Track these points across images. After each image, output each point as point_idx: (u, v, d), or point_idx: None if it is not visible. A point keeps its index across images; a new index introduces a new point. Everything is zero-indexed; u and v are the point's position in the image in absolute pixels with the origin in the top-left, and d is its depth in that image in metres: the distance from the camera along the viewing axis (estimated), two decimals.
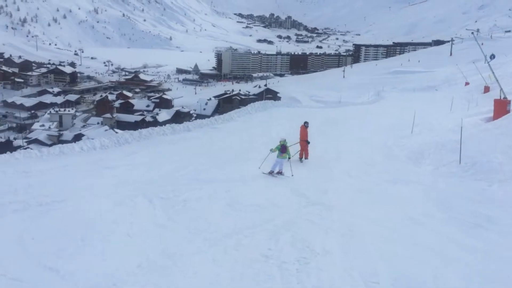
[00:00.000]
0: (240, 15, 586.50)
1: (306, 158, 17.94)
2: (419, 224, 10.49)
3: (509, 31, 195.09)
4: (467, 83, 48.23)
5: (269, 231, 9.42)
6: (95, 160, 16.53)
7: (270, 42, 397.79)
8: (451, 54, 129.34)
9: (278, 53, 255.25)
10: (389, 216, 10.88)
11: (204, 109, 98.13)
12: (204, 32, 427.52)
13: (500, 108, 20.37)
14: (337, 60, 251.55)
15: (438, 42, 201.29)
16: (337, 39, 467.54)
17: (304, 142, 17.75)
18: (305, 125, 18.11)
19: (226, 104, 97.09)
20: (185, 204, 11.19)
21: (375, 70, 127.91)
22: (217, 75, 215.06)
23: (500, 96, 21.55)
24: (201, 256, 8.14)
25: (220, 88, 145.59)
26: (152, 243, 8.59)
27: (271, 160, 15.03)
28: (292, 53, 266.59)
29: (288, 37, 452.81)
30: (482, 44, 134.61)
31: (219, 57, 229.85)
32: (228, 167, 16.20)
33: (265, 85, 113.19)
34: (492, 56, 19.08)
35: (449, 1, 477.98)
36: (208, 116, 27.37)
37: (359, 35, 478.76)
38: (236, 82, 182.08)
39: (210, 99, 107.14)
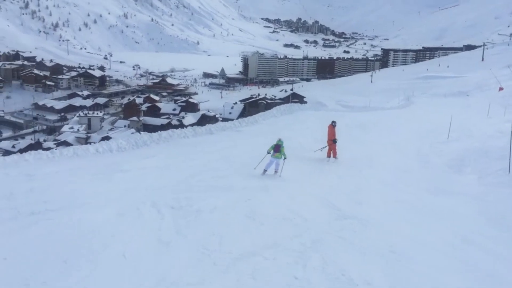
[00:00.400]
0: (267, 19, 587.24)
1: (334, 157, 17.73)
2: (472, 244, 8.87)
3: None
4: (501, 89, 45.75)
5: (294, 252, 7.89)
6: (108, 163, 15.41)
7: (297, 47, 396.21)
8: (482, 59, 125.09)
9: (305, 58, 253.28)
10: (435, 235, 9.31)
11: (230, 113, 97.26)
12: (231, 36, 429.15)
13: None
14: (364, 65, 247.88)
15: (469, 47, 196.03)
16: (364, 43, 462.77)
17: (331, 141, 17.57)
18: (333, 124, 17.83)
19: (252, 108, 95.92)
20: (197, 215, 9.78)
21: (404, 75, 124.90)
22: (244, 79, 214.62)
23: None
24: None
25: (246, 92, 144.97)
26: (150, 267, 7.08)
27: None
28: (319, 57, 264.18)
29: (315, 42, 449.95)
30: None
31: (245, 61, 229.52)
32: (249, 172, 14.79)
33: (291, 90, 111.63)
34: None
35: (480, 6, 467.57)
36: (233, 120, 25.24)
37: (387, 39, 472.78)
38: (262, 87, 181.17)
39: (236, 103, 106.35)
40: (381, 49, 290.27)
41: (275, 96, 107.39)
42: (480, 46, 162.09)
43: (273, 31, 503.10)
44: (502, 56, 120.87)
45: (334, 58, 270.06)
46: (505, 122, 20.25)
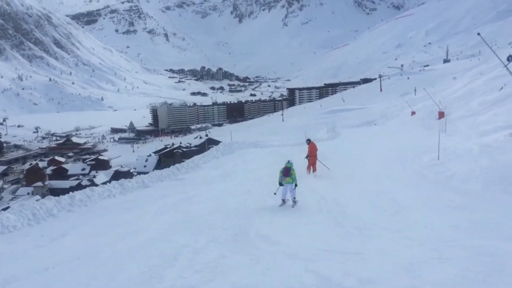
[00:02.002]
0: (171, 70, 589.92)
1: (314, 171, 18.80)
2: None
3: (427, 65, 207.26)
4: (413, 113, 48.00)
5: None
6: None
7: (204, 94, 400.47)
8: (381, 90, 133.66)
9: (214, 103, 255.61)
10: None
11: (145, 166, 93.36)
12: (136, 90, 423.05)
13: None
14: (272, 105, 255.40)
15: (365, 80, 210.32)
16: (269, 86, 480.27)
17: (313, 158, 18.86)
18: (307, 142, 19.46)
19: (167, 158, 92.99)
20: None
21: (312, 111, 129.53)
22: (154, 130, 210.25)
23: None
24: None
25: (159, 143, 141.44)
26: None
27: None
28: (228, 102, 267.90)
29: (222, 88, 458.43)
30: (408, 78, 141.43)
31: (154, 112, 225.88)
32: (231, 245, 10.05)
33: (206, 135, 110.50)
34: (510, 58, 16.77)
35: (368, 43, 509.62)
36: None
37: (289, 80, 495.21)
38: (175, 136, 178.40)
39: (150, 155, 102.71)
40: (287, 88, 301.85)
41: (190, 144, 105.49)
42: (375, 79, 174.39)
43: (179, 81, 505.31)
44: (396, 85, 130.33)
45: (243, 101, 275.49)
46: (472, 138, 19.88)
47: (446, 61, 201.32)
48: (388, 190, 15.00)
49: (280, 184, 13.31)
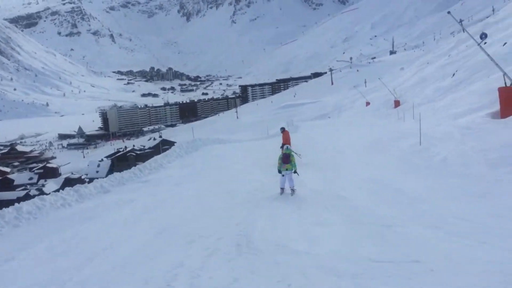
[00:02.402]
0: (120, 72, 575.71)
1: None
2: None
3: (374, 57, 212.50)
4: (368, 103, 48.34)
5: None
6: None
7: (155, 95, 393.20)
8: (332, 83, 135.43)
9: (166, 104, 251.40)
10: None
11: (97, 171, 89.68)
12: (83, 93, 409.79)
13: (509, 99, 16.39)
14: (226, 103, 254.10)
15: (316, 74, 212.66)
16: (220, 84, 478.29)
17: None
18: (281, 130, 19.24)
19: (121, 162, 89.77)
20: None
21: (266, 107, 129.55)
22: (105, 134, 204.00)
23: (505, 83, 16.93)
24: None
25: (111, 147, 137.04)
26: None
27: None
28: (180, 102, 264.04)
29: (173, 88, 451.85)
30: (358, 70, 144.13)
31: (104, 116, 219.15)
32: (239, 261, 7.50)
33: (160, 137, 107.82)
34: (484, 36, 16.26)
35: (316, 38, 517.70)
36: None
37: (241, 77, 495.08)
38: (127, 139, 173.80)
39: (102, 160, 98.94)
40: (239, 86, 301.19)
41: (144, 146, 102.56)
42: (325, 73, 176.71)
43: (128, 83, 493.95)
44: (347, 78, 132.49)
45: (196, 100, 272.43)
46: (444, 121, 19.79)
47: (392, 52, 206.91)
48: (383, 178, 13.72)
49: (279, 171, 12.68)
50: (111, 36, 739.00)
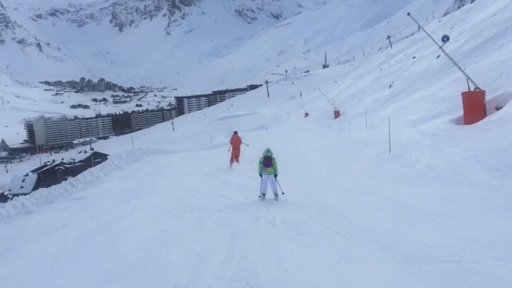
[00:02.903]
0: (47, 82, 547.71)
1: (237, 161, 19.10)
2: None
3: (308, 71, 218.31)
4: (306, 114, 48.78)
5: None
6: None
7: (86, 107, 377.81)
8: (268, 95, 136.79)
9: (98, 116, 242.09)
10: None
11: (22, 187, 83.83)
12: (7, 104, 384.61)
13: (473, 104, 15.62)
14: (161, 115, 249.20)
15: (253, 86, 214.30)
16: (155, 95, 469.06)
17: (236, 150, 19.12)
18: (235, 132, 19.79)
19: (48, 177, 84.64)
20: None
21: (202, 118, 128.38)
22: (31, 147, 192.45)
23: (469, 88, 16.02)
24: None
25: (37, 161, 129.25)
26: None
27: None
28: (113, 113, 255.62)
29: (105, 99, 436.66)
30: (293, 83, 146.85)
31: (30, 128, 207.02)
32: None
33: (92, 149, 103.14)
34: (445, 38, 15.92)
35: (251, 51, 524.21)
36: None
37: (176, 89, 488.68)
38: (55, 152, 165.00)
39: (27, 174, 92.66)
40: (175, 97, 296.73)
41: (74, 159, 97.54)
42: (261, 85, 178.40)
43: (56, 94, 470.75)
44: (283, 90, 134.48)
45: (129, 112, 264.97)
46: (395, 131, 19.16)
47: (325, 66, 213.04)
48: (372, 188, 12.02)
49: (260, 175, 12.04)
50: (38, 45, 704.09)
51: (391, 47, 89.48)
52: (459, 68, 16.18)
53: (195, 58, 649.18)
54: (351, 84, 60.01)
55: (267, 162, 11.84)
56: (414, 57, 41.98)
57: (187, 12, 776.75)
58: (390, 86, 31.72)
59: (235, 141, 19.05)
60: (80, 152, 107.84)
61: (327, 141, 24.11)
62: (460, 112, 16.70)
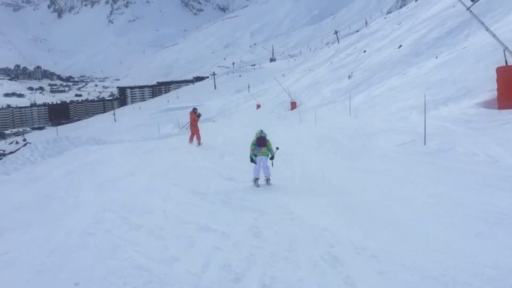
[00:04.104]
0: None
1: (198, 141, 18.91)
2: None
3: (254, 64, 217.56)
4: (258, 106, 46.87)
5: None
6: None
7: (21, 95, 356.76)
8: (215, 88, 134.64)
9: (33, 105, 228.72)
10: None
11: None
12: None
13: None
14: (102, 106, 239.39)
15: (199, 78, 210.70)
16: (96, 85, 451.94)
17: (194, 127, 19.10)
18: (194, 111, 19.48)
19: None
20: None
21: (146, 110, 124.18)
22: None
23: (506, 62, 13.29)
24: None
25: None
26: None
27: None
28: (50, 103, 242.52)
29: (41, 88, 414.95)
30: (240, 76, 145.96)
31: None
32: None
33: (24, 140, 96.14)
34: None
35: (197, 43, 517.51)
36: None
37: (118, 80, 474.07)
38: None
39: None
40: (117, 87, 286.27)
41: (4, 151, 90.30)
42: (207, 77, 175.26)
43: None
44: (230, 82, 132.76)
45: (67, 102, 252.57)
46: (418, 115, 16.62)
47: (272, 60, 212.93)
48: (467, 205, 7.53)
49: (252, 159, 10.81)
50: None
51: (339, 42, 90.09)
52: (493, 35, 13.85)
53: (139, 48, 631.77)
54: (301, 77, 58.97)
55: (261, 142, 10.75)
56: (364, 51, 41.60)
57: (131, 1, 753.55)
58: (350, 76, 30.39)
59: (191, 118, 19.46)
60: (11, 143, 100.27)
61: (300, 132, 21.48)
62: (483, 95, 14.40)
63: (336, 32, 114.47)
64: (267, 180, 10.79)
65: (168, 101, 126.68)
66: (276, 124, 28.26)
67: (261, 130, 11.09)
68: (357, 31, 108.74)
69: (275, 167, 10.83)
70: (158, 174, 13.04)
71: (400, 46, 28.63)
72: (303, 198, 9.24)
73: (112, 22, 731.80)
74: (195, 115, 19.22)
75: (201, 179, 11.85)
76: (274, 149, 10.86)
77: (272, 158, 10.74)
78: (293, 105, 32.63)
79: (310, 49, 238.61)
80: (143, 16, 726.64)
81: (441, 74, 16.01)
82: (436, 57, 21.19)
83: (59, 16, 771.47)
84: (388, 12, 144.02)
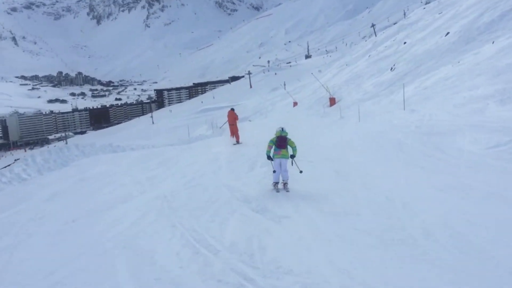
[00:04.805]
0: (23, 77, 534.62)
1: (237, 141, 18.69)
2: None
3: (290, 62, 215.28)
4: (295, 103, 45.41)
5: None
6: None
7: (64, 101, 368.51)
8: (251, 87, 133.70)
9: (75, 110, 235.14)
10: None
11: None
12: None
13: None
14: (140, 109, 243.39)
15: (234, 78, 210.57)
16: (135, 89, 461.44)
17: (232, 125, 19.19)
18: (232, 109, 19.97)
19: None
20: None
21: (183, 112, 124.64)
22: (5, 144, 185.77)
23: None
24: None
25: (10, 158, 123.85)
26: None
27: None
28: (91, 107, 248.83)
29: (83, 94, 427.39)
30: (276, 74, 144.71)
31: (3, 124, 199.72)
32: None
33: (66, 143, 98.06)
34: None
35: (232, 43, 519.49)
36: None
37: (156, 82, 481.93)
38: (30, 148, 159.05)
39: None
40: (154, 90, 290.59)
41: None
42: (243, 77, 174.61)
43: (32, 88, 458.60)
44: (266, 81, 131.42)
45: (107, 106, 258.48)
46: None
47: (308, 56, 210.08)
48: None
49: (269, 157, 9.75)
50: (13, 38, 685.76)
51: (376, 35, 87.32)
52: None
53: (175, 51, 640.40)
54: (338, 72, 57.13)
55: (281, 142, 9.59)
56: (405, 42, 39.49)
57: (166, 4, 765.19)
58: (392, 68, 28.49)
59: (230, 117, 19.57)
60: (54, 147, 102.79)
61: (345, 130, 18.57)
62: None
63: (373, 25, 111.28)
64: (285, 184, 9.70)
65: (202, 102, 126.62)
66: (316, 122, 26.60)
67: (282, 128, 9.93)
68: (394, 23, 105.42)
69: (324, 190, 8.56)
70: (158, 202, 10.08)
71: (448, 33, 26.59)
72: (393, 265, 5.61)
73: (149, 26, 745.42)
74: (235, 114, 19.75)
75: (217, 212, 8.70)
76: (295, 161, 9.50)
77: (293, 157, 9.51)
78: (332, 101, 31.00)
79: (346, 44, 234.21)
80: (178, 19, 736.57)
81: (507, 58, 14.08)
82: (493, 42, 19.25)
83: (98, 22, 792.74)
84: (427, 2, 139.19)
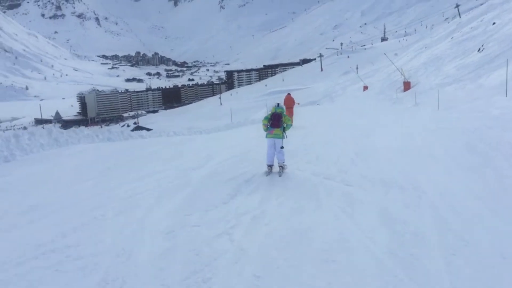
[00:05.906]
0: (104, 56, 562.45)
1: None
2: None
3: (364, 45, 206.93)
4: (365, 88, 41.84)
5: None
6: None
7: (140, 80, 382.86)
8: (322, 70, 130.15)
9: (148, 89, 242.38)
10: None
11: None
12: (65, 77, 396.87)
13: None
14: (211, 90, 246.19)
15: (305, 61, 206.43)
16: (207, 70, 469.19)
17: (289, 109, 18.51)
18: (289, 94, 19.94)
19: None
20: None
21: (251, 93, 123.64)
22: (83, 120, 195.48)
23: None
24: None
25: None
26: None
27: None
28: (163, 87, 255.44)
29: (158, 74, 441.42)
30: (348, 57, 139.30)
31: (82, 100, 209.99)
32: None
33: (135, 123, 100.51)
34: None
35: (306, 25, 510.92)
36: None
37: (228, 64, 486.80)
38: (105, 125, 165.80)
39: None
40: (225, 71, 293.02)
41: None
42: (314, 59, 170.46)
43: (112, 67, 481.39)
44: (337, 64, 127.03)
45: (179, 86, 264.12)
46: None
47: (384, 39, 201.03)
48: None
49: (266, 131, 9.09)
50: (97, 19, 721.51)
51: (460, 17, 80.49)
52: None
53: (248, 33, 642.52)
54: (416, 55, 52.38)
55: (275, 120, 8.76)
56: (494, 23, 34.62)
57: None
58: (480, 49, 24.55)
59: (288, 101, 19.36)
60: (123, 126, 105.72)
61: (420, 121, 13.83)
62: None
63: (457, 6, 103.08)
64: (280, 168, 8.92)
65: (266, 85, 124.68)
66: (385, 108, 23.15)
67: (278, 104, 9.28)
68: (481, 4, 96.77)
69: None
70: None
71: None
72: None
73: (224, 8, 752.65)
74: (293, 98, 19.65)
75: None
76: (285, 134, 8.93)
77: (284, 130, 8.81)
78: (407, 86, 27.48)
79: (426, 26, 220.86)
80: (252, 1, 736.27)
81: None
82: None
83: (175, 4, 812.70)
84: None
